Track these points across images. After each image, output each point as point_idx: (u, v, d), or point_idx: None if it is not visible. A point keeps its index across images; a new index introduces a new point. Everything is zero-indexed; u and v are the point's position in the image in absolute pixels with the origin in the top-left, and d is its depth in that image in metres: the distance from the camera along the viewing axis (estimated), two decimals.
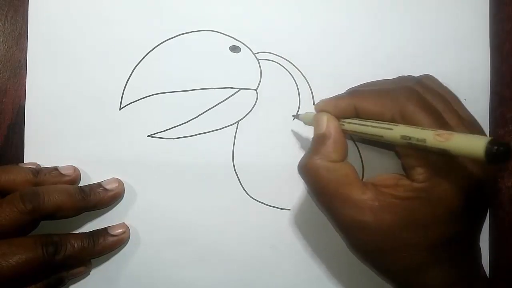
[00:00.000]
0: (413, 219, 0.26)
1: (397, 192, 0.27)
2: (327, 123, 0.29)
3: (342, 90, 0.32)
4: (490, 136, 0.34)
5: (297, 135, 0.34)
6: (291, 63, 0.34)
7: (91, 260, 0.33)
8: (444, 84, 0.30)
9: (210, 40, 0.34)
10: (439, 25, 0.34)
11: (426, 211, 0.26)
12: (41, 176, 0.32)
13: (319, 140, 0.29)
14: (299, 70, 0.34)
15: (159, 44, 0.34)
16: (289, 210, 0.34)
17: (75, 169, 0.33)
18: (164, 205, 0.34)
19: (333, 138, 0.28)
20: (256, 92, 0.34)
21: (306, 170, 0.28)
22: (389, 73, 0.34)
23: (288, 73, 0.34)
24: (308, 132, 0.34)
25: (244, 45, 0.34)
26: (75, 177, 0.33)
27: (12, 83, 0.35)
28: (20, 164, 0.33)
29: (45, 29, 0.34)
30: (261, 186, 0.34)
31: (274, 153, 0.34)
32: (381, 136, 0.26)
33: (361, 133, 0.28)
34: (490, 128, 0.34)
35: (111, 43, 0.34)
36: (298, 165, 0.29)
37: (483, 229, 0.34)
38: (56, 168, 0.33)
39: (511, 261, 0.34)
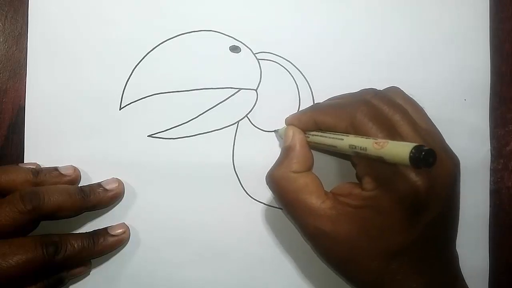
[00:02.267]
0: (366, 228, 0.27)
1: (351, 200, 0.27)
2: (293, 136, 0.31)
3: (342, 90, 0.32)
4: (490, 136, 0.34)
5: None
6: (291, 63, 0.34)
7: (91, 260, 0.33)
8: (410, 95, 0.31)
9: (210, 40, 0.34)
10: (439, 25, 0.34)
11: (376, 220, 0.26)
12: (41, 176, 0.32)
13: (285, 152, 0.31)
14: (299, 70, 0.34)
15: (159, 44, 0.34)
16: None
17: (75, 169, 0.33)
18: (164, 205, 0.34)
19: (296, 150, 0.30)
20: (256, 92, 0.34)
21: (270, 180, 0.30)
22: (389, 73, 0.34)
23: (288, 73, 0.34)
24: None
25: (244, 45, 0.34)
26: (75, 177, 0.33)
27: (12, 83, 0.35)
28: (20, 164, 0.33)
29: (45, 29, 0.34)
30: (261, 186, 0.34)
31: (274, 153, 0.34)
32: (335, 147, 0.28)
33: (321, 144, 0.29)
34: (490, 128, 0.34)
35: (111, 43, 0.34)
36: (266, 175, 0.31)
37: (483, 229, 0.34)
38: (56, 168, 0.33)
39: (511, 261, 0.34)
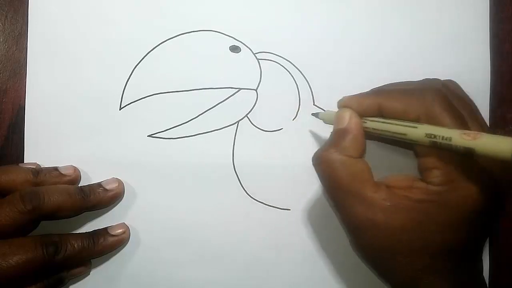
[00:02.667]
0: (424, 223, 0.26)
1: (411, 194, 0.26)
2: (349, 119, 0.28)
3: (342, 90, 0.32)
4: None
5: (297, 135, 0.34)
6: (291, 63, 0.34)
7: (91, 260, 0.33)
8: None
9: (210, 40, 0.34)
10: (439, 25, 0.34)
11: (439, 215, 0.25)
12: (41, 176, 0.32)
13: (339, 135, 0.28)
14: (299, 70, 0.34)
15: (159, 44, 0.34)
16: (289, 210, 0.34)
17: (75, 169, 0.33)
18: (164, 205, 0.34)
19: (353, 134, 0.28)
20: (256, 92, 0.34)
21: (321, 162, 0.28)
22: (389, 73, 0.34)
23: (288, 73, 0.34)
24: (308, 132, 0.34)
25: (244, 45, 0.34)
26: (75, 177, 0.33)
27: (12, 83, 0.35)
28: (20, 164, 0.33)
29: (45, 29, 0.34)
30: (261, 186, 0.34)
31: (274, 153, 0.34)
32: (405, 134, 0.26)
33: (384, 130, 0.27)
34: (490, 128, 0.34)
35: (111, 43, 0.34)
36: (313, 156, 0.29)
37: None
38: (56, 168, 0.33)
39: (511, 261, 0.34)
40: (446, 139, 0.24)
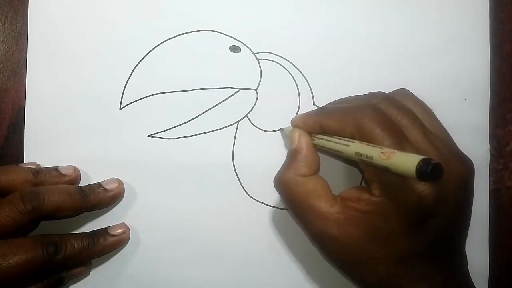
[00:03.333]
0: (374, 233, 0.27)
1: (359, 205, 0.27)
2: (298, 138, 0.30)
3: (342, 90, 0.32)
4: (490, 136, 0.34)
5: None
6: (291, 63, 0.34)
7: (91, 260, 0.33)
8: (420, 98, 0.30)
9: (210, 40, 0.34)
10: (439, 25, 0.34)
11: (384, 225, 0.26)
12: (41, 176, 0.32)
13: (292, 155, 0.30)
14: (299, 70, 0.34)
15: (159, 44, 0.34)
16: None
17: (75, 169, 0.33)
18: (164, 205, 0.34)
19: (303, 153, 0.30)
20: (256, 92, 0.34)
21: (279, 183, 0.30)
22: (389, 73, 0.34)
23: (288, 73, 0.34)
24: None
25: (244, 45, 0.34)
26: (75, 177, 0.33)
27: (12, 83, 0.35)
28: (20, 164, 0.33)
29: (45, 29, 0.34)
30: (261, 186, 0.34)
31: (274, 153, 0.34)
32: (341, 152, 0.27)
33: (327, 148, 0.29)
34: (490, 128, 0.34)
35: (111, 43, 0.34)
36: (274, 179, 0.30)
37: (483, 229, 0.34)
38: (56, 168, 0.33)
39: (511, 261, 0.34)
40: (369, 157, 0.25)
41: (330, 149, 0.29)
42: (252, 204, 0.34)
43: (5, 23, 0.35)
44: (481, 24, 0.34)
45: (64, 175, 0.33)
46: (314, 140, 0.30)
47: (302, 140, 0.30)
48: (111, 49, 0.34)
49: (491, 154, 0.34)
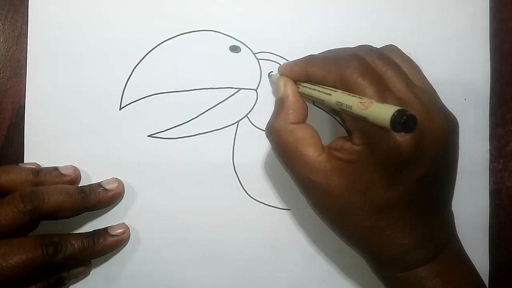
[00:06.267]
0: (356, 182, 0.27)
1: (342, 154, 0.27)
2: (284, 86, 0.30)
3: None
4: (490, 136, 0.34)
5: None
6: None
7: (91, 260, 0.33)
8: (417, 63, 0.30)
9: (210, 40, 0.34)
10: (439, 25, 0.34)
11: (364, 174, 0.26)
12: (41, 176, 0.32)
13: (279, 104, 0.30)
14: None
15: (159, 44, 0.34)
16: (289, 210, 0.34)
17: (75, 169, 0.33)
18: (164, 205, 0.34)
19: (290, 100, 0.30)
20: (256, 92, 0.34)
21: (270, 132, 0.30)
22: None
23: None
24: None
25: (244, 45, 0.34)
26: (75, 177, 0.33)
27: (12, 83, 0.35)
28: (20, 164, 0.33)
29: (45, 29, 0.34)
30: (261, 186, 0.34)
31: (274, 153, 0.34)
32: (323, 101, 0.27)
33: (310, 96, 0.29)
34: (490, 128, 0.34)
35: (111, 43, 0.34)
36: (265, 128, 0.30)
37: (483, 229, 0.34)
38: (56, 168, 0.33)
39: (511, 261, 0.34)
40: (348, 107, 0.25)
41: (313, 97, 0.28)
42: (252, 204, 0.34)
43: (5, 23, 0.35)
44: (481, 24, 0.35)
45: (64, 175, 0.33)
46: (299, 88, 0.30)
47: (287, 87, 0.30)
48: (111, 49, 0.34)
49: (491, 154, 0.34)
